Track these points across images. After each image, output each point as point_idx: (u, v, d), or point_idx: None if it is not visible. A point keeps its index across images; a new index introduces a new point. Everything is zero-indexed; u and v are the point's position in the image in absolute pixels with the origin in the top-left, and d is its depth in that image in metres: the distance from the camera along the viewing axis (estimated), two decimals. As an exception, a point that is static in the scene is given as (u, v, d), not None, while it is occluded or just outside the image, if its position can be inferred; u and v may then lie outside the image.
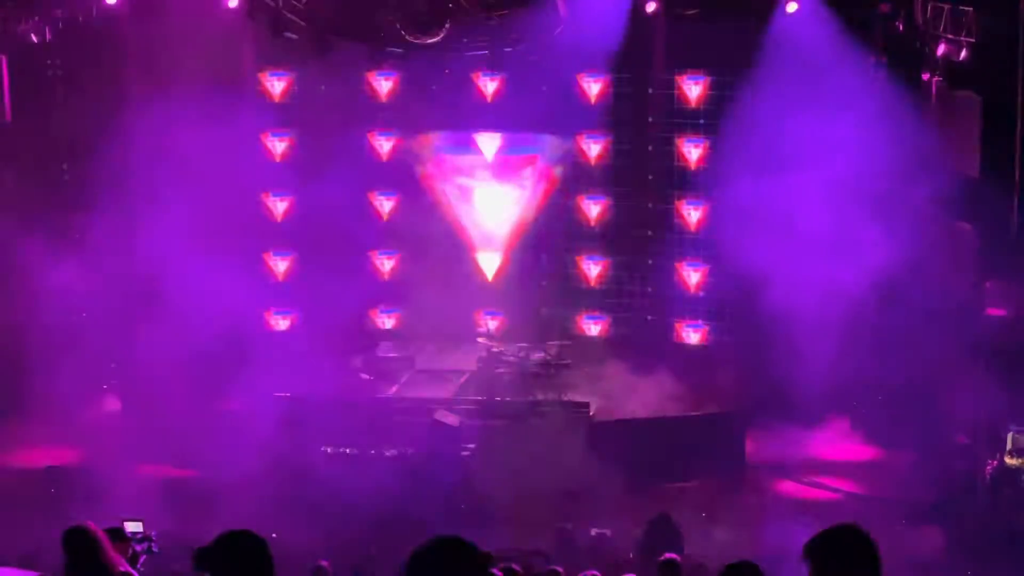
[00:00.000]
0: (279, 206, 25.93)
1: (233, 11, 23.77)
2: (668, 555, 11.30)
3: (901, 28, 22.10)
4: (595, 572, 10.85)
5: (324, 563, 13.30)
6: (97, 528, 6.44)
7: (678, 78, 24.77)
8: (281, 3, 23.69)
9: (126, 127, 23.58)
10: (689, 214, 25.04)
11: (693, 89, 24.73)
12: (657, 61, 24.77)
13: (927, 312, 20.09)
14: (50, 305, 21.94)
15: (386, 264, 26.29)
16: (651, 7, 23.39)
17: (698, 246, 25.06)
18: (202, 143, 23.44)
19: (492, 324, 25.72)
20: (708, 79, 24.58)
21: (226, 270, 22.87)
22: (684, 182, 25.11)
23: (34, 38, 23.12)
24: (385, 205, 26.33)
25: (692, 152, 24.93)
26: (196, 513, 19.48)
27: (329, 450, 20.62)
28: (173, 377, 22.25)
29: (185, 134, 22.94)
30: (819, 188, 21.51)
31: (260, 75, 25.44)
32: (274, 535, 18.21)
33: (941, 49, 20.25)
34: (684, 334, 25.07)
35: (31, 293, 21.71)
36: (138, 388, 22.74)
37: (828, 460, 22.14)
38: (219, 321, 21.64)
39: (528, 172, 26.18)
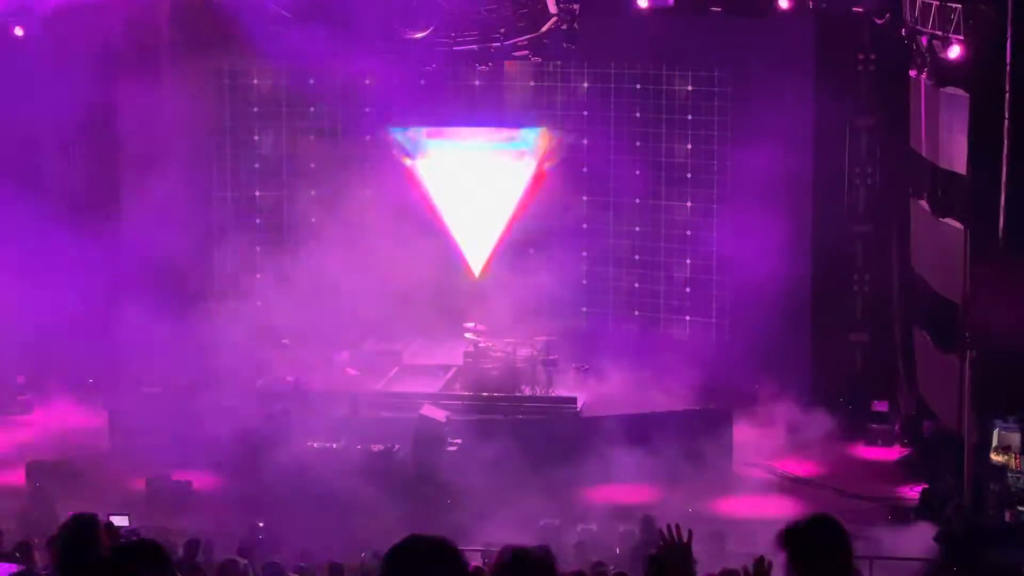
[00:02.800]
0: (267, 199, 25.88)
1: (221, 2, 23.66)
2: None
3: (890, 25, 22.11)
4: None
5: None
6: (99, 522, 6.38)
7: (667, 74, 24.75)
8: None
9: (115, 119, 23.55)
10: (677, 210, 25.05)
11: (682, 85, 24.73)
12: (646, 57, 24.74)
13: None
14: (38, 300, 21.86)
15: (373, 258, 26.18)
16: (643, 3, 23.33)
17: (685, 242, 25.06)
18: (190, 136, 23.41)
19: (479, 319, 25.67)
20: (698, 75, 24.57)
21: (211, 263, 22.85)
22: (671, 178, 25.10)
23: (19, 32, 22.97)
24: (371, 198, 26.22)
25: (679, 148, 24.93)
26: (182, 507, 19.46)
27: (315, 445, 20.55)
28: (158, 372, 22.21)
29: (173, 125, 22.91)
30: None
31: (249, 67, 25.36)
32: (261, 524, 18.28)
33: (929, 46, 20.25)
34: (671, 329, 25.06)
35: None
36: (122, 382, 22.68)
37: (814, 455, 22.14)
38: (204, 314, 21.61)
39: (516, 167, 26.13)
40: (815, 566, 4.99)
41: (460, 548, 3.97)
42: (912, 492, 20.41)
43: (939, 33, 19.74)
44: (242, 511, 19.64)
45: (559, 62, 25.20)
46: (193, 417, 21.15)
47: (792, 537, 5.04)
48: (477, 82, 25.64)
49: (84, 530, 6.09)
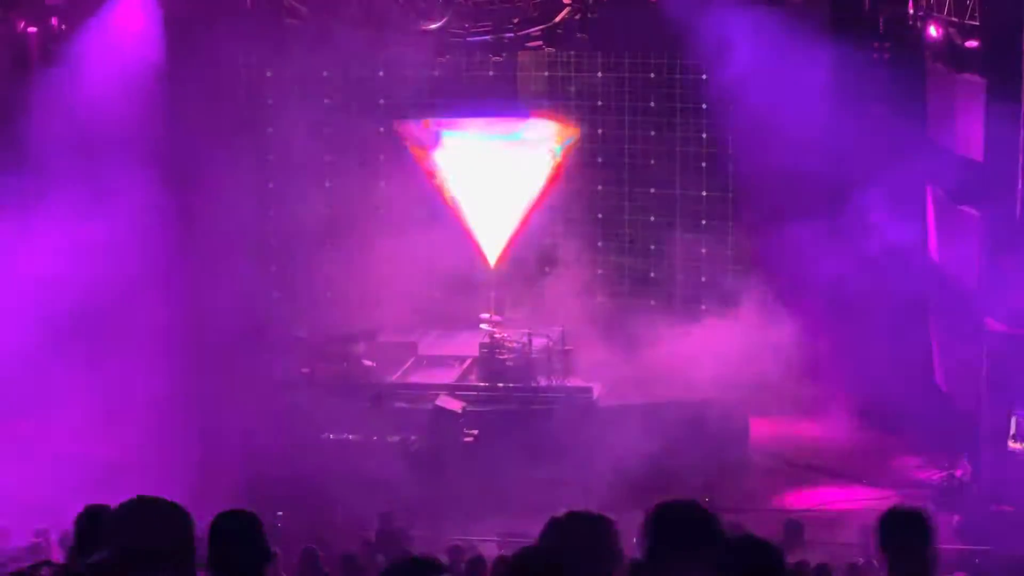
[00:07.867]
0: (281, 192, 25.90)
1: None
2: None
3: (904, 11, 22.02)
4: None
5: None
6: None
7: (682, 63, 24.71)
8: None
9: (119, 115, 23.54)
10: (692, 200, 25.02)
11: (696, 74, 24.67)
12: (660, 46, 24.69)
13: None
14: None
15: (388, 249, 26.18)
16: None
17: (700, 231, 25.03)
18: (202, 131, 23.41)
19: (495, 310, 25.65)
20: (712, 64, 24.48)
21: (223, 256, 22.86)
22: (686, 168, 25.06)
23: (30, 30, 22.97)
24: (386, 190, 26.25)
25: (694, 138, 24.89)
26: (198, 497, 19.43)
27: (332, 436, 20.58)
28: (173, 360, 22.22)
29: (185, 122, 22.92)
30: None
31: (264, 60, 25.36)
32: (279, 512, 18.29)
33: (945, 32, 20.16)
34: (687, 319, 25.02)
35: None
36: (137, 370, 22.71)
37: (830, 446, 22.08)
38: (220, 306, 21.61)
39: (530, 157, 26.09)
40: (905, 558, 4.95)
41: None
42: (929, 480, 20.38)
43: (954, 19, 19.66)
44: (259, 501, 19.67)
45: (573, 52, 25.18)
46: (211, 409, 21.20)
47: (883, 530, 4.99)
48: (491, 73, 25.62)
49: (96, 521, 6.11)
